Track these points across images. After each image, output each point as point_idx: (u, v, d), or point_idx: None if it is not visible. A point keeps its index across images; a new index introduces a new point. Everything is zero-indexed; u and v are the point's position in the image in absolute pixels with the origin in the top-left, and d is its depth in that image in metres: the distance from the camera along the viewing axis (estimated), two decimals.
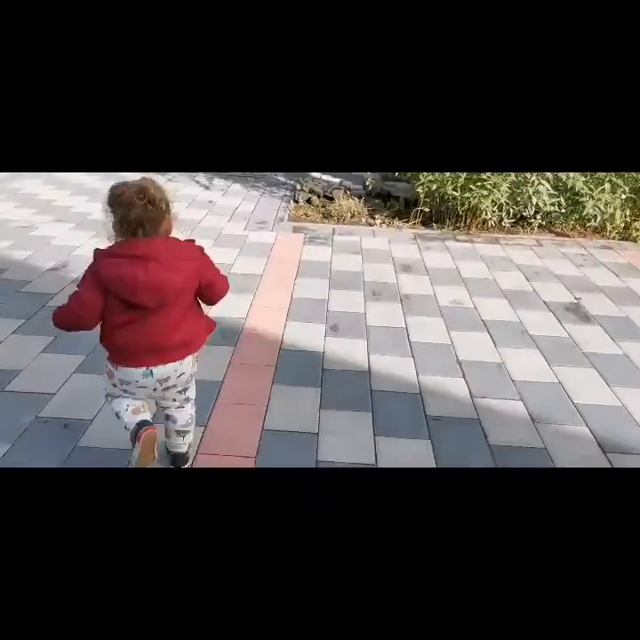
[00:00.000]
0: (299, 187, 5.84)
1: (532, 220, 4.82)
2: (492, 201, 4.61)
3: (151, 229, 1.64)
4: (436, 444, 2.23)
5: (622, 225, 4.78)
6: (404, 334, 3.08)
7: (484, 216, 4.70)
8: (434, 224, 4.91)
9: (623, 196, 4.60)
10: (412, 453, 2.17)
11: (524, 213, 4.77)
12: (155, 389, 1.84)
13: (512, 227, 4.85)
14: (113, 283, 1.65)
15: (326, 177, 6.22)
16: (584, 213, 4.64)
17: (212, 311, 3.13)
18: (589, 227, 4.85)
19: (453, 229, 4.84)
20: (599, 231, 4.87)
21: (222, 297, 1.88)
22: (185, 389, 1.94)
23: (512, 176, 4.54)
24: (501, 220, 4.77)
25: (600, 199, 4.54)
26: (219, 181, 6.08)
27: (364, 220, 5.06)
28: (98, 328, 1.77)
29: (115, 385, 1.86)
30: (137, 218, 1.60)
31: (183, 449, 2.06)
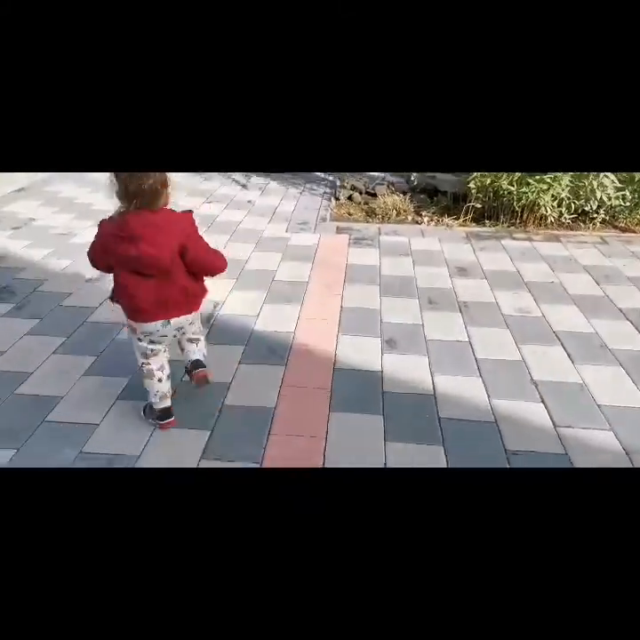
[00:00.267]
0: (339, 183, 5.59)
1: (595, 216, 4.46)
2: (552, 196, 4.27)
3: (148, 201, 1.82)
4: None
5: None
6: (468, 349, 2.81)
7: (542, 211, 4.37)
8: (486, 221, 4.60)
9: None
10: None
11: (586, 208, 4.42)
12: (174, 336, 2.15)
13: (572, 222, 4.50)
14: (112, 257, 1.93)
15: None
16: None
17: (261, 324, 2.95)
18: None
19: (508, 226, 4.52)
20: None
21: (215, 273, 2.06)
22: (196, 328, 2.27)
23: None
24: (561, 215, 4.43)
25: None
26: (256, 179, 5.86)
27: (410, 218, 4.77)
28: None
29: (140, 339, 2.09)
30: (135, 191, 1.79)
31: (198, 355, 2.26)
